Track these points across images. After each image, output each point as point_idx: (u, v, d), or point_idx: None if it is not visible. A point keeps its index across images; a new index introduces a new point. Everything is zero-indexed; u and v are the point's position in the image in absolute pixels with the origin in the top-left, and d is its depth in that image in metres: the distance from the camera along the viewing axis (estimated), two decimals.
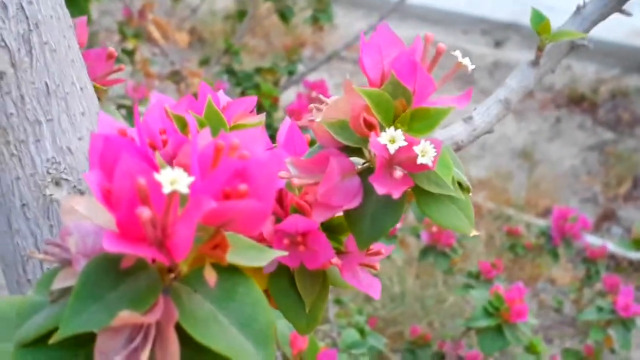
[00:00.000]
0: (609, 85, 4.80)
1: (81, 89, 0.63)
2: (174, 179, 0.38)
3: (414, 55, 0.57)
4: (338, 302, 2.20)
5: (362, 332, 1.81)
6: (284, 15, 2.69)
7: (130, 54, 2.36)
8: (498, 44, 5.47)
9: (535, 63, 0.77)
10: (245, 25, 2.92)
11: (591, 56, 4.93)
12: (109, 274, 0.41)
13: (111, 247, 0.38)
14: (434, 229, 2.32)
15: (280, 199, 0.65)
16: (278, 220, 0.63)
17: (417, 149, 0.53)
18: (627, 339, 1.94)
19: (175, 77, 2.26)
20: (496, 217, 3.65)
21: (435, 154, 0.53)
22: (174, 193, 0.38)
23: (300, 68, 2.91)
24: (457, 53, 0.58)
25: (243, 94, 2.62)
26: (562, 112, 4.66)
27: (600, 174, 4.10)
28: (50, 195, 0.61)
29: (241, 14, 2.94)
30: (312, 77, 2.82)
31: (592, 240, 2.89)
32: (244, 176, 0.42)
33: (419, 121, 0.57)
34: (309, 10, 2.89)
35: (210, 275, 0.42)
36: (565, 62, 4.94)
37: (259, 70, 2.71)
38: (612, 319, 1.98)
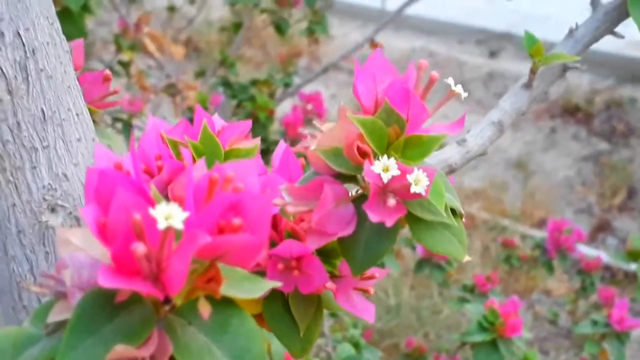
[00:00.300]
0: (604, 96, 4.81)
1: (77, 114, 0.64)
2: (168, 214, 0.39)
3: (407, 82, 0.58)
4: (333, 315, 2.20)
5: (357, 345, 1.81)
6: (280, 28, 2.69)
7: (125, 65, 2.36)
8: (493, 54, 5.48)
9: (528, 85, 0.77)
10: (240, 37, 2.92)
11: (586, 67, 4.93)
12: (104, 308, 0.42)
13: (106, 282, 0.38)
14: None
15: (274, 223, 0.66)
16: (272, 244, 0.63)
17: (410, 177, 0.53)
18: (621, 353, 1.94)
19: (171, 89, 2.26)
20: (491, 227, 3.66)
21: (428, 182, 0.53)
22: (168, 228, 0.39)
23: (296, 80, 2.91)
24: (450, 81, 0.59)
25: (239, 105, 2.62)
26: (557, 122, 4.67)
27: (595, 185, 4.11)
28: (46, 221, 0.61)
29: (237, 26, 2.94)
30: (309, 88, 2.83)
31: (587, 251, 2.90)
32: (238, 209, 0.42)
33: (413, 148, 0.57)
34: (305, 22, 2.89)
35: (205, 308, 0.42)
36: None
37: (254, 82, 2.71)
38: (606, 332, 1.98)
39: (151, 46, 2.13)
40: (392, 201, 0.53)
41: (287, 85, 2.77)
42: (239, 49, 3.08)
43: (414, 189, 0.53)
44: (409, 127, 0.58)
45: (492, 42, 5.57)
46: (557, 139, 4.53)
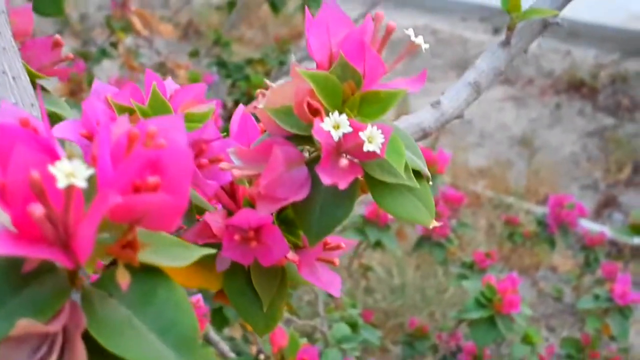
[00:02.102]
0: (609, 71, 4.75)
1: (13, 78, 0.59)
2: (70, 172, 0.34)
3: (363, 35, 0.53)
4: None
5: (355, 326, 1.78)
6: (274, 5, 2.65)
7: (114, 46, 2.32)
8: (497, 31, 5.43)
9: (505, 43, 0.73)
10: (234, 16, 2.88)
11: (590, 41, 4.88)
12: (11, 279, 0.38)
13: (3, 249, 0.34)
14: None
15: (232, 192, 0.62)
16: (230, 214, 0.59)
17: (363, 135, 0.49)
18: (624, 327, 1.90)
19: (162, 69, 2.22)
20: (496, 205, 3.62)
21: (384, 140, 0.49)
22: (71, 187, 0.35)
23: (292, 58, 2.86)
24: (410, 31, 0.54)
25: (234, 85, 2.58)
26: (562, 98, 4.62)
27: (600, 160, 4.06)
28: None
29: (230, 5, 2.90)
30: (304, 66, 2.78)
31: (591, 226, 2.86)
32: (158, 167, 0.38)
33: (370, 105, 0.53)
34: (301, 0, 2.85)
35: (123, 278, 0.38)
36: (565, 47, 4.89)
37: (249, 62, 2.68)
38: (609, 307, 1.94)
39: (138, 24, 2.09)
40: (343, 161, 0.49)
41: (282, 63, 2.73)
42: (235, 28, 3.04)
43: (367, 147, 0.49)
44: (366, 82, 0.53)
45: (496, 18, 5.51)
46: (562, 115, 4.48)
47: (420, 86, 0.54)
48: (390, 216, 2.18)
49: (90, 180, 0.36)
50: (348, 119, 0.49)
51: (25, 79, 0.61)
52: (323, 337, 1.74)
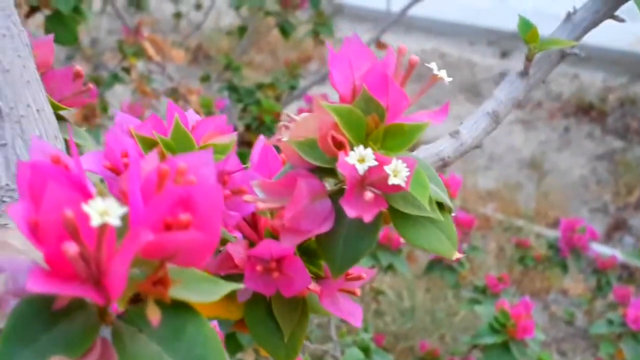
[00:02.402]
0: (617, 94, 4.75)
1: (37, 111, 0.60)
2: (104, 210, 0.35)
3: (386, 68, 0.53)
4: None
5: (367, 350, 1.77)
6: (284, 30, 2.66)
7: (127, 71, 2.33)
8: (505, 55, 5.44)
9: (524, 73, 0.73)
10: (246, 41, 2.89)
11: (599, 65, 4.89)
12: (42, 316, 0.38)
13: (35, 286, 0.35)
14: None
15: (253, 222, 0.62)
16: (252, 245, 0.59)
17: (388, 168, 0.49)
18: (637, 352, 1.89)
19: (174, 94, 2.23)
20: (506, 228, 3.61)
21: (408, 173, 0.49)
22: (105, 225, 0.35)
23: (302, 83, 2.88)
24: (433, 65, 0.55)
25: (245, 109, 2.59)
26: (571, 121, 4.62)
27: (610, 183, 4.05)
28: (5, 224, 0.57)
29: (242, 30, 2.91)
30: (315, 91, 2.79)
31: (602, 250, 2.85)
32: (189, 204, 0.38)
33: (393, 138, 0.53)
34: (311, 25, 2.87)
35: (154, 314, 0.38)
36: (573, 71, 4.90)
37: (260, 86, 2.69)
38: (622, 332, 1.93)
39: (151, 50, 2.10)
40: (369, 194, 0.49)
41: (292, 88, 2.74)
42: (245, 52, 3.06)
43: (392, 180, 0.49)
44: (389, 115, 0.53)
45: (504, 42, 5.52)
46: (571, 138, 4.48)
47: (443, 118, 0.54)
48: (402, 240, 2.18)
49: (122, 216, 0.36)
50: (373, 153, 0.49)
51: (49, 111, 0.61)
52: None
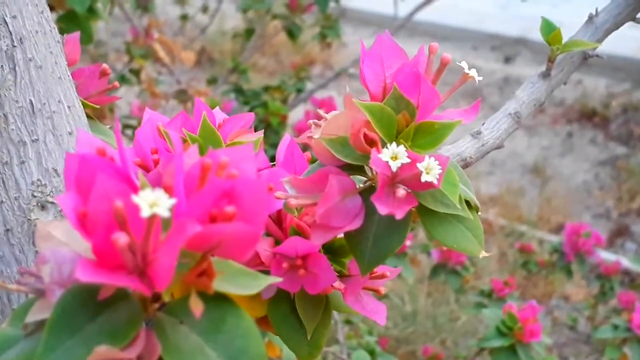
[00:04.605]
0: (620, 100, 4.75)
1: (69, 107, 0.60)
2: (153, 202, 0.35)
3: (417, 66, 0.54)
4: (348, 322, 2.17)
5: (372, 353, 1.77)
6: (292, 33, 2.67)
7: (136, 73, 2.33)
8: (508, 60, 5.44)
9: (546, 75, 0.73)
10: (253, 44, 2.90)
11: (602, 71, 4.89)
12: (87, 306, 0.38)
13: (85, 276, 0.35)
14: (444, 247, 2.28)
15: (279, 220, 0.62)
16: (277, 242, 0.60)
17: (421, 166, 0.49)
18: None
19: (182, 96, 2.24)
20: (508, 234, 3.61)
21: (440, 171, 0.50)
22: (154, 217, 0.35)
23: (309, 86, 2.88)
24: (464, 64, 0.55)
25: (251, 112, 2.59)
26: (574, 127, 4.62)
27: (612, 189, 4.05)
28: (36, 219, 0.58)
29: (249, 32, 2.91)
30: (321, 95, 2.79)
31: (605, 256, 2.85)
32: (232, 197, 0.39)
33: (423, 136, 0.54)
34: (317, 28, 2.87)
35: (197, 306, 0.38)
36: (576, 76, 4.90)
37: (267, 89, 2.69)
38: (627, 337, 1.93)
39: (161, 52, 2.11)
40: (401, 191, 0.50)
41: (299, 90, 2.74)
42: (252, 55, 3.06)
43: (425, 177, 0.49)
44: (420, 113, 0.54)
45: (507, 47, 5.52)
46: (574, 144, 4.48)
47: (473, 117, 0.55)
48: (407, 243, 2.18)
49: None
50: (405, 150, 0.50)
51: (80, 108, 0.62)
52: None
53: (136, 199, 0.35)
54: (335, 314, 1.81)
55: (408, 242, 2.22)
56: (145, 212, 0.35)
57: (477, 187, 4.04)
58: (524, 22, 5.24)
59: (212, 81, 2.90)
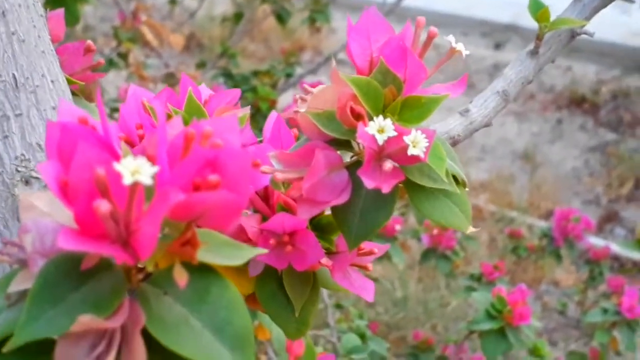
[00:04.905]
0: (610, 86, 4.76)
1: (52, 81, 0.60)
2: (136, 169, 0.35)
3: (404, 40, 0.54)
4: (338, 306, 2.17)
5: (363, 336, 1.77)
6: (281, 17, 2.66)
7: (125, 57, 2.32)
8: (498, 46, 5.44)
9: (534, 52, 0.73)
10: (242, 28, 2.88)
11: (591, 57, 4.90)
12: (70, 275, 0.38)
13: (67, 244, 0.35)
14: (435, 231, 2.29)
15: (266, 196, 0.62)
16: (264, 219, 0.59)
17: (407, 139, 0.49)
18: (632, 341, 1.90)
19: (170, 80, 2.23)
20: (498, 219, 3.62)
21: (427, 144, 0.49)
22: (136, 184, 0.35)
23: (298, 71, 2.87)
24: (451, 38, 0.55)
25: (240, 96, 2.58)
26: (564, 113, 4.62)
27: (602, 175, 4.06)
28: (20, 194, 0.57)
29: (238, 16, 2.91)
30: (311, 80, 2.79)
31: (595, 241, 2.86)
32: (216, 167, 0.38)
33: (410, 110, 0.54)
34: (307, 13, 2.86)
35: (181, 276, 0.38)
36: (566, 63, 4.91)
37: (256, 73, 2.68)
38: (617, 320, 1.94)
39: (149, 35, 2.09)
40: (388, 165, 0.49)
41: (288, 75, 2.74)
42: (241, 40, 3.05)
43: (411, 151, 0.49)
44: (407, 87, 0.54)
45: (497, 34, 5.52)
46: (563, 130, 4.49)
47: (461, 91, 0.55)
48: (397, 228, 2.18)
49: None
50: (392, 123, 0.49)
51: (64, 83, 0.61)
52: (333, 348, 1.74)
53: (118, 166, 0.35)
54: (325, 298, 1.82)
55: (398, 227, 2.22)
56: (127, 180, 0.34)
57: (467, 173, 4.01)
58: (514, 8, 5.23)
59: (201, 65, 2.89)
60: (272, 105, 2.49)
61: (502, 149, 4.35)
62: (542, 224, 3.31)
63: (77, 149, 0.36)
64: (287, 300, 0.61)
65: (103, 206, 0.34)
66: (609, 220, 3.74)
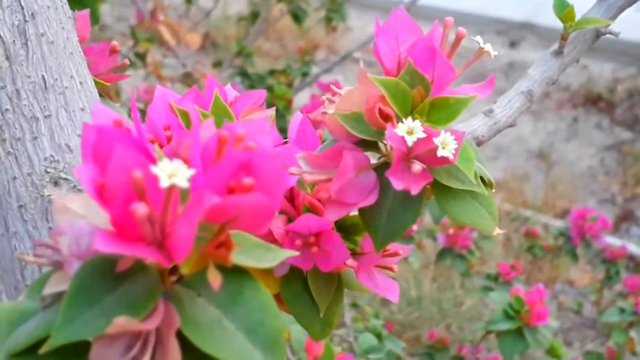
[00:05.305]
0: (626, 85, 4.74)
1: (80, 83, 0.60)
2: (172, 172, 0.35)
3: (432, 41, 0.54)
4: (354, 306, 2.17)
5: (379, 336, 1.78)
6: (297, 16, 2.66)
7: (142, 56, 2.33)
8: (513, 45, 5.42)
9: (558, 52, 0.73)
10: (258, 27, 2.89)
11: (607, 55, 4.88)
12: (105, 278, 0.38)
13: (104, 246, 0.35)
14: (451, 231, 2.29)
15: (291, 197, 0.62)
16: (290, 220, 0.59)
17: (437, 140, 0.49)
18: None
19: (188, 79, 2.23)
20: (513, 219, 3.61)
21: (457, 145, 0.49)
22: (172, 187, 0.35)
23: (314, 70, 2.87)
24: (479, 38, 0.55)
25: None
26: (579, 112, 4.61)
27: (618, 174, 4.05)
28: (49, 195, 0.57)
29: (254, 16, 2.91)
30: (326, 79, 2.79)
31: (611, 240, 2.85)
32: (250, 169, 0.39)
33: (438, 111, 0.54)
34: (322, 12, 2.86)
35: (215, 278, 0.38)
36: (582, 61, 4.88)
37: (272, 73, 2.68)
38: (634, 320, 1.93)
39: (167, 34, 2.10)
40: (417, 166, 0.49)
41: (304, 74, 2.74)
42: (256, 40, 3.05)
43: (440, 152, 0.49)
44: (434, 89, 0.54)
45: (513, 32, 5.50)
46: (579, 129, 4.47)
47: (488, 92, 0.55)
48: (414, 228, 2.18)
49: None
50: (421, 125, 0.49)
51: (91, 84, 0.61)
52: (349, 347, 1.74)
53: (155, 169, 0.35)
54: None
55: (415, 227, 2.21)
56: (164, 183, 0.35)
57: None
58: (530, 7, 5.22)
59: (217, 64, 2.90)
60: (289, 104, 2.49)
61: (517, 147, 4.33)
62: (557, 223, 3.30)
63: (114, 152, 0.36)
64: (311, 301, 0.61)
65: (141, 209, 0.34)
66: (624, 220, 3.73)
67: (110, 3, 2.15)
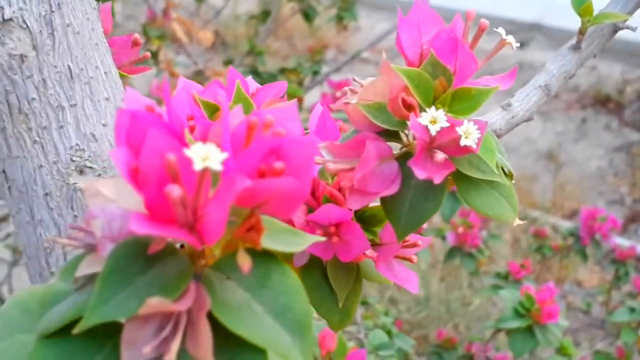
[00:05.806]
0: (635, 86, 4.74)
1: (105, 73, 0.61)
2: (205, 155, 0.36)
3: (454, 32, 0.54)
4: (364, 303, 2.17)
5: (389, 333, 1.78)
6: (308, 15, 2.67)
7: (154, 54, 2.33)
8: (522, 45, 5.42)
9: (576, 47, 0.73)
10: (268, 26, 2.89)
11: (616, 56, 4.87)
12: (138, 259, 0.39)
13: (139, 228, 0.35)
14: (461, 229, 2.29)
15: (312, 188, 0.63)
16: (310, 210, 0.60)
17: (460, 130, 0.50)
18: None
19: (199, 77, 2.24)
20: (521, 219, 3.59)
21: (480, 135, 0.50)
22: (205, 170, 0.36)
23: (324, 69, 2.88)
24: (501, 30, 0.55)
25: None
26: (588, 112, 4.61)
27: (627, 175, 4.04)
28: (74, 184, 0.58)
29: (265, 14, 2.92)
30: (336, 78, 2.79)
31: (620, 241, 2.85)
32: (280, 154, 0.39)
33: (460, 102, 0.54)
34: (333, 11, 2.87)
35: (244, 261, 0.39)
36: (591, 62, 4.88)
37: (283, 71, 2.69)
38: None
39: (180, 32, 2.11)
40: (440, 156, 0.50)
41: (315, 73, 2.74)
42: (266, 38, 3.06)
43: (464, 142, 0.50)
44: (457, 79, 0.54)
45: (521, 32, 5.50)
46: (588, 130, 4.47)
47: (511, 83, 0.55)
48: (424, 226, 2.19)
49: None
50: (445, 114, 0.50)
51: (116, 75, 0.62)
52: (360, 344, 1.75)
53: (188, 152, 0.35)
54: None
55: (424, 225, 2.21)
56: (197, 165, 0.35)
57: None
58: (539, 8, 5.22)
59: (228, 63, 2.90)
60: (299, 102, 2.49)
61: (525, 148, 4.33)
62: (566, 224, 3.30)
63: (147, 136, 0.36)
64: (330, 291, 0.62)
65: (175, 191, 0.35)
66: (633, 221, 3.73)
67: (122, 1, 2.16)
